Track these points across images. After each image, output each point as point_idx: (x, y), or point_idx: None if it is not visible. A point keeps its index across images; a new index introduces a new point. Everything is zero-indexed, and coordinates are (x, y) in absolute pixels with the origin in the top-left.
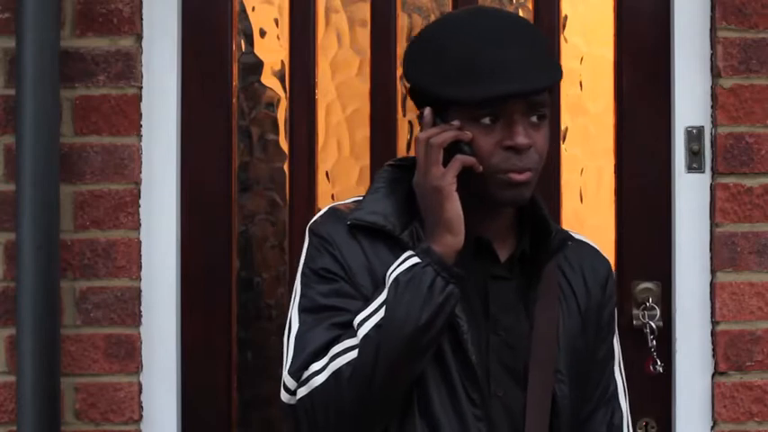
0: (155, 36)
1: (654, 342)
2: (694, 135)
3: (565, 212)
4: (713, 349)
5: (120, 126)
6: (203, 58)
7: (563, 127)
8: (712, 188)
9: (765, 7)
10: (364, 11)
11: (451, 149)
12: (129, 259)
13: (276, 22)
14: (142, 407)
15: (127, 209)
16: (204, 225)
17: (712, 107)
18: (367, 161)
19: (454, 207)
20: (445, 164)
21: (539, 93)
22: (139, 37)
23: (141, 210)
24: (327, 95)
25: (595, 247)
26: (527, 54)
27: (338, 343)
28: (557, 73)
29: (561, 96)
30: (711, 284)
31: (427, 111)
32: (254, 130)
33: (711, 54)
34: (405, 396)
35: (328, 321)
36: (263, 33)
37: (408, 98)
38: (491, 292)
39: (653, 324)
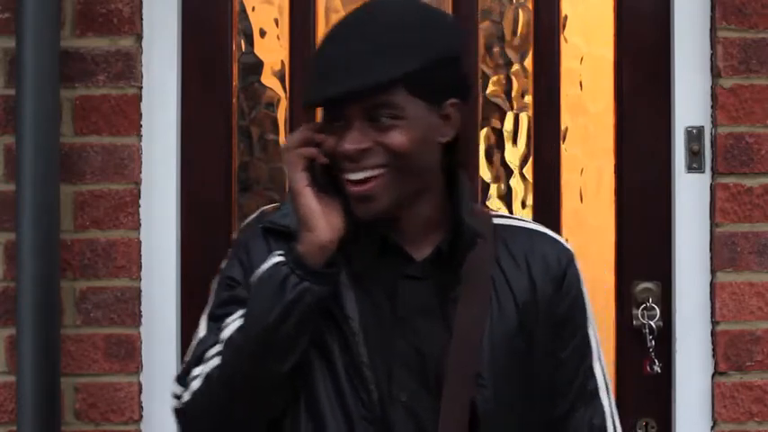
0: (155, 36)
1: (652, 342)
2: (694, 135)
3: (565, 212)
4: (713, 349)
5: (120, 126)
6: (203, 58)
7: (563, 127)
8: (712, 188)
9: (765, 7)
10: None
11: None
12: (129, 259)
13: (276, 22)
14: (142, 407)
15: (127, 209)
16: (204, 225)
17: (712, 107)
18: None
19: (306, 203)
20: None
21: (371, 94)
22: (139, 37)
23: (141, 210)
24: None
25: (553, 236)
26: (359, 50)
27: (212, 348)
28: (391, 70)
29: (561, 96)
30: (711, 284)
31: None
32: (254, 130)
33: (711, 54)
34: (288, 394)
35: (217, 327)
36: (263, 33)
37: None
38: (400, 292)
39: (653, 324)
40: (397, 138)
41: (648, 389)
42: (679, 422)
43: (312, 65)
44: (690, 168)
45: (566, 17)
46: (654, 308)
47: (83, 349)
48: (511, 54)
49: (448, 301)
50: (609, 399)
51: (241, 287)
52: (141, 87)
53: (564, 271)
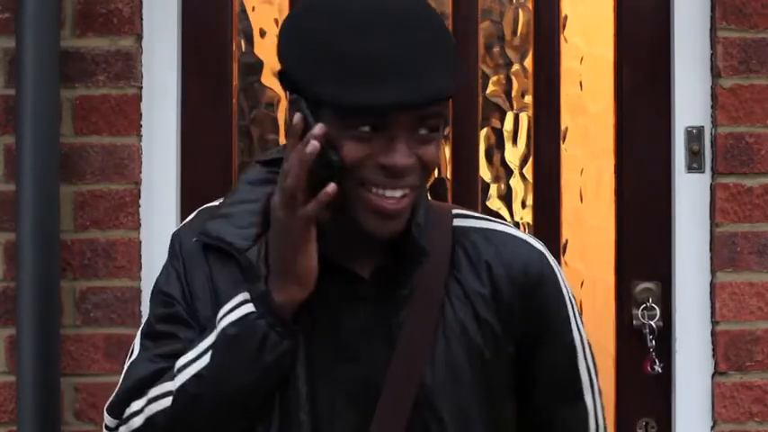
0: (155, 36)
1: (653, 342)
2: (694, 135)
3: (565, 212)
4: (713, 349)
5: (120, 126)
6: (203, 59)
7: (563, 127)
8: (712, 188)
9: (765, 7)
10: None
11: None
12: (129, 259)
13: (276, 22)
14: None
15: (127, 209)
16: None
17: (712, 107)
18: None
19: (309, 263)
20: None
21: (435, 103)
22: (139, 37)
23: (141, 210)
24: None
25: (521, 237)
26: (424, 50)
27: (158, 384)
28: (459, 77)
29: (561, 96)
30: (711, 284)
31: (297, 118)
32: (254, 130)
33: (711, 54)
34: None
35: (155, 351)
36: (263, 33)
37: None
38: (343, 315)
39: (653, 324)
40: (433, 153)
41: (648, 389)
42: (679, 422)
43: (345, 57)
44: (690, 168)
45: (566, 17)
46: (654, 308)
47: (83, 349)
48: (511, 54)
49: (392, 322)
50: (594, 398)
51: (180, 307)
52: (141, 87)
53: (534, 274)
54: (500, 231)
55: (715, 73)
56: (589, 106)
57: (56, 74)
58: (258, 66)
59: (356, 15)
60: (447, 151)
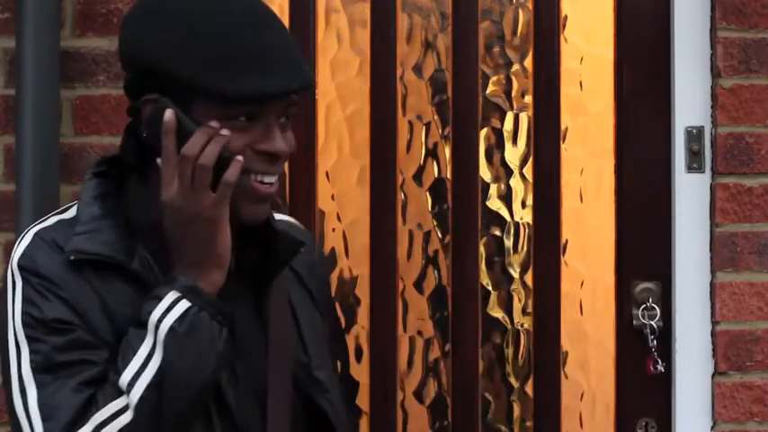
0: None
1: (654, 342)
2: (694, 135)
3: (565, 212)
4: (713, 349)
5: (120, 126)
6: None
7: (563, 127)
8: (712, 188)
9: (765, 7)
10: (364, 11)
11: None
12: None
13: None
14: None
15: None
16: None
17: (712, 107)
18: (367, 161)
19: (227, 241)
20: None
21: (305, 91)
22: None
23: None
24: (327, 95)
25: (300, 225)
26: (289, 42)
27: (101, 408)
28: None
29: (561, 96)
30: (711, 284)
31: (170, 114)
32: None
33: (711, 54)
34: None
35: (75, 381)
36: None
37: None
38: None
39: (653, 324)
40: (293, 139)
41: (648, 389)
42: (679, 422)
43: (239, 52)
44: (690, 168)
45: (566, 17)
46: (654, 308)
47: None
48: (511, 54)
49: (264, 313)
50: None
51: (79, 329)
52: None
53: (317, 255)
54: (292, 222)
55: (715, 73)
56: (589, 106)
57: (56, 74)
58: None
59: (226, 11)
60: (447, 151)
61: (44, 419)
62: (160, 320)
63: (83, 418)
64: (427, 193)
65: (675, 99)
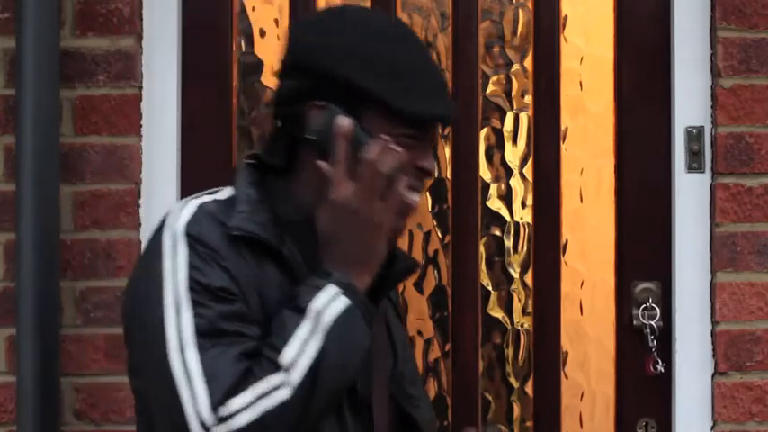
0: (155, 36)
1: (655, 342)
2: (694, 135)
3: (565, 212)
4: (713, 349)
5: (120, 126)
6: (203, 58)
7: (563, 127)
8: (712, 188)
9: (765, 7)
10: None
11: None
12: (130, 259)
13: (276, 22)
14: None
15: (127, 209)
16: None
17: (712, 107)
18: None
19: (384, 249)
20: None
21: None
22: (139, 37)
23: (141, 210)
24: None
25: None
26: (444, 74)
27: (258, 380)
28: None
29: (561, 96)
30: (711, 284)
31: (347, 122)
32: (254, 130)
33: (711, 54)
34: None
35: (235, 350)
36: (263, 33)
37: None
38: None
39: (653, 324)
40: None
41: (648, 389)
42: (679, 422)
43: (417, 75)
44: (690, 168)
45: (566, 17)
46: (654, 308)
47: (83, 349)
48: (511, 54)
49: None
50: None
51: (240, 302)
52: (141, 87)
53: None
54: None
55: (715, 73)
56: (589, 106)
57: (56, 74)
58: (258, 66)
59: (402, 37)
60: (447, 151)
61: (207, 381)
62: (322, 310)
63: (242, 386)
64: (427, 193)
65: (675, 99)
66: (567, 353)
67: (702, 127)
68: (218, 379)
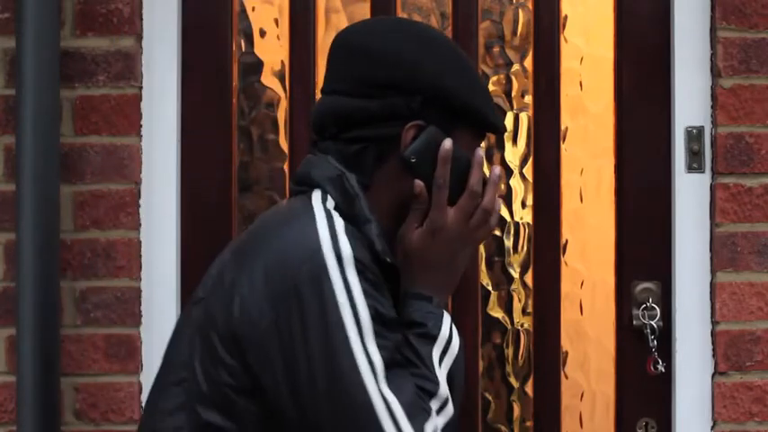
0: (155, 36)
1: (655, 342)
2: (694, 135)
3: (565, 212)
4: (713, 349)
5: (120, 126)
6: (203, 59)
7: (563, 127)
8: (712, 188)
9: (765, 7)
10: (364, 11)
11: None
12: (129, 259)
13: (276, 22)
14: (142, 407)
15: (127, 209)
16: (204, 225)
17: (712, 107)
18: None
19: (461, 272)
20: None
21: None
22: (139, 37)
23: (141, 210)
24: None
25: None
26: None
27: (433, 396)
28: None
29: (561, 96)
30: (711, 284)
31: (449, 144)
32: (254, 130)
33: (711, 54)
34: None
35: (412, 382)
36: (263, 33)
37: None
38: None
39: (653, 324)
40: None
41: (648, 389)
42: (679, 422)
43: (485, 88)
44: (690, 168)
45: (566, 17)
46: (654, 308)
47: (83, 349)
48: (511, 54)
49: None
50: None
51: (400, 329)
52: (141, 87)
53: None
54: None
55: (715, 73)
56: (589, 106)
57: (56, 74)
58: (258, 66)
59: (467, 57)
60: None
61: (408, 417)
62: (451, 337)
63: (423, 402)
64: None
65: (675, 99)
66: (566, 353)
67: (702, 127)
68: (414, 417)
